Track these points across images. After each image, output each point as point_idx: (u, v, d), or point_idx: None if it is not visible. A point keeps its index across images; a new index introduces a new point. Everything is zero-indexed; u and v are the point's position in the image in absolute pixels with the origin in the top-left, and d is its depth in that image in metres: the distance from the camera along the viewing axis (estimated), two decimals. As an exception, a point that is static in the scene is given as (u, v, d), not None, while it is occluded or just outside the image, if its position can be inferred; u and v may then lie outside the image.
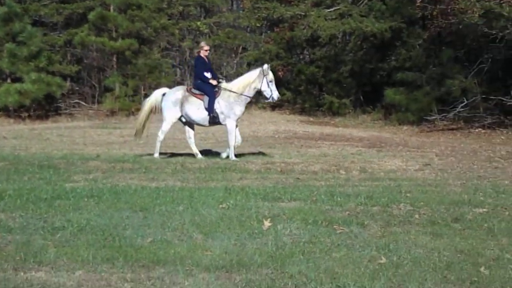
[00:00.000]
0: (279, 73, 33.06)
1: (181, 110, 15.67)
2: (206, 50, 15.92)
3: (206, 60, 15.93)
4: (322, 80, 31.81)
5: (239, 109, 15.45)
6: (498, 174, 14.48)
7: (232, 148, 15.44)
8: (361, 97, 31.52)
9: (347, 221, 9.18)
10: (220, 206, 10.04)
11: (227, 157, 15.51)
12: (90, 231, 8.28)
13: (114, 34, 31.87)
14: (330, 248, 7.71)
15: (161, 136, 16.01)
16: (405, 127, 26.91)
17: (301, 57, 34.28)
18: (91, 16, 31.41)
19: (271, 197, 10.99)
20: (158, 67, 32.31)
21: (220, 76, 16.40)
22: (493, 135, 23.96)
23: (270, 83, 15.14)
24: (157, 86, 32.28)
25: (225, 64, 35.00)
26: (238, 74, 34.34)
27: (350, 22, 29.30)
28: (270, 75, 15.17)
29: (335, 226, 8.83)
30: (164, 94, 16.05)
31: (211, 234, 8.26)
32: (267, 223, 8.79)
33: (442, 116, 26.45)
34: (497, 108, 26.18)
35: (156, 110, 16.21)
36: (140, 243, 7.76)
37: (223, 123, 15.50)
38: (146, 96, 32.03)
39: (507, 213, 9.96)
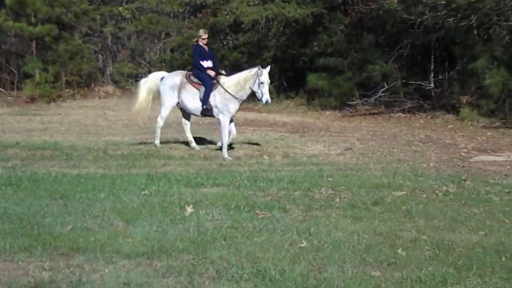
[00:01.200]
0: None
1: (178, 96, 15.17)
2: (204, 39, 15.18)
3: (206, 48, 15.24)
4: (245, 65, 31.72)
5: (233, 107, 14.65)
6: (417, 158, 14.77)
7: (225, 145, 14.58)
8: (284, 83, 31.63)
9: (269, 206, 9.24)
10: (142, 192, 9.99)
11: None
12: (8, 220, 8.12)
13: (33, 20, 31.14)
14: (252, 233, 7.76)
15: (160, 122, 15.60)
16: (327, 112, 27.17)
17: (224, 42, 34.20)
18: (8, 0, 30.62)
19: (194, 183, 10.98)
20: (79, 53, 31.72)
21: (222, 69, 15.52)
22: (413, 119, 24.42)
23: (261, 85, 14.19)
24: (78, 72, 31.94)
25: (148, 50, 34.63)
26: (161, 60, 34.36)
27: (273, 7, 29.36)
28: (263, 77, 14.22)
29: (257, 211, 8.88)
30: (162, 79, 15.54)
31: (133, 220, 8.21)
32: (189, 209, 8.78)
33: (364, 101, 26.80)
34: (417, 92, 26.67)
35: (154, 95, 15.79)
36: (60, 231, 7.65)
37: (216, 116, 14.86)
38: (68, 83, 31.82)
39: (424, 195, 10.19)
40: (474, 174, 12.57)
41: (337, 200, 9.79)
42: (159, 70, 33.54)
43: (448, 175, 12.33)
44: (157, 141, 15.61)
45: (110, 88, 32.62)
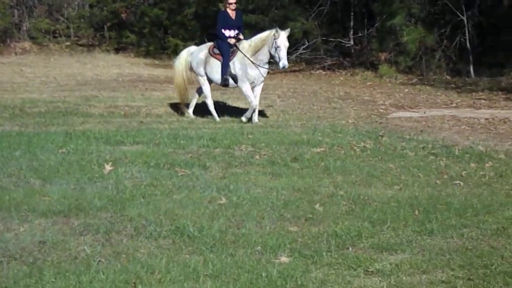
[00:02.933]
0: (122, 15, 32.41)
1: (205, 71, 14.07)
2: (230, 4, 13.80)
3: (232, 16, 13.84)
4: (166, 22, 31.39)
5: (252, 72, 13.51)
6: (336, 114, 14.97)
7: (252, 109, 13.53)
8: (206, 40, 31.35)
9: (189, 164, 9.25)
10: (60, 151, 9.84)
11: (249, 120, 13.59)
12: None
13: None
14: (171, 191, 7.76)
15: (207, 101, 14.24)
16: (248, 69, 27.17)
17: (144, -2, 33.71)
18: None
19: (113, 141, 10.88)
20: (-6, 8, 30.86)
21: (241, 35, 13.89)
22: (333, 76, 24.66)
23: (278, 48, 13.09)
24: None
25: (66, 5, 33.86)
26: (80, 16, 33.64)
27: (193, -38, 29.07)
28: (280, 40, 13.08)
29: (177, 169, 8.88)
30: (192, 54, 14.47)
31: (50, 179, 8.10)
32: (108, 167, 8.70)
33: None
34: (337, 50, 26.89)
35: (189, 70, 14.61)
36: (-27, 190, 7.49)
37: (238, 85, 13.73)
38: None
39: (342, 151, 10.35)
40: (391, 130, 12.83)
41: (257, 157, 9.85)
42: (78, 26, 33.34)
43: (366, 131, 12.54)
44: (215, 116, 14.23)
45: (27, 44, 31.82)
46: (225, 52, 13.63)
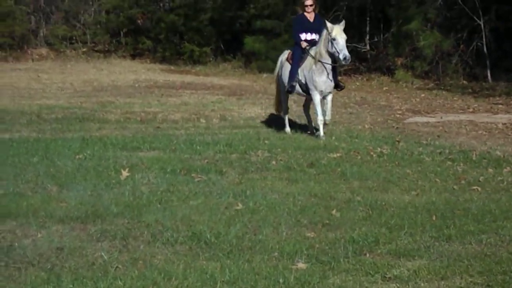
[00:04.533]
0: (139, 21, 32.53)
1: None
2: (306, 6, 12.59)
3: (310, 18, 12.64)
4: (182, 28, 31.51)
5: (318, 79, 12.25)
6: (353, 120, 14.94)
7: (319, 122, 12.36)
8: (222, 46, 31.51)
9: (206, 169, 9.25)
10: (77, 157, 9.88)
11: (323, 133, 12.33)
12: None
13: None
14: (188, 196, 7.75)
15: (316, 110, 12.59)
16: (264, 75, 27.10)
17: (160, 4, 33.79)
18: None
19: (129, 147, 10.91)
20: (11, 14, 31.04)
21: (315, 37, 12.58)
22: (349, 82, 24.57)
23: (333, 42, 11.83)
24: (10, 34, 31.22)
25: (82, 11, 34.02)
26: (97, 22, 33.81)
27: (209, -31, 29.17)
28: (334, 32, 11.84)
29: (193, 175, 8.88)
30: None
31: (67, 185, 8.12)
32: (125, 173, 8.71)
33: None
34: (352, 55, 26.75)
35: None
36: (-9, 197, 7.52)
37: (311, 94, 12.49)
38: (0, 45, 31.06)
39: (359, 157, 10.32)
40: (408, 135, 12.78)
41: (273, 162, 9.84)
42: (94, 32, 33.48)
43: (383, 136, 12.50)
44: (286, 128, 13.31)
45: (43, 50, 32.04)
46: (295, 56, 12.69)
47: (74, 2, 33.98)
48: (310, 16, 12.70)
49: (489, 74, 22.64)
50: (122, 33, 33.48)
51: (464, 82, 22.86)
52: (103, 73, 26.26)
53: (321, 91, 12.33)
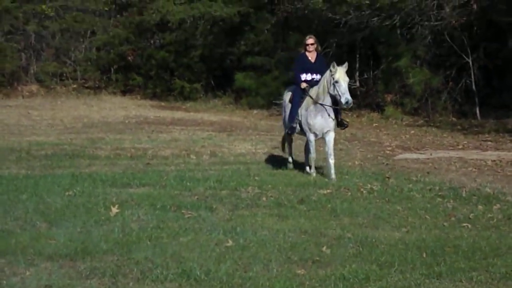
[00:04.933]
0: (129, 57, 32.65)
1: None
2: (307, 45, 12.38)
3: (311, 58, 12.37)
4: (173, 64, 31.64)
5: (313, 121, 11.94)
6: (343, 156, 14.95)
7: (310, 159, 12.29)
8: (212, 82, 31.62)
9: (196, 206, 9.23)
10: (67, 193, 9.85)
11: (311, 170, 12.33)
12: None
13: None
14: (178, 233, 7.72)
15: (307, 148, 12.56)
16: (255, 111, 27.24)
17: (151, 41, 33.94)
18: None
19: (119, 183, 10.89)
20: (1, 51, 31.09)
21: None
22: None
23: (336, 84, 11.48)
24: (0, 71, 31.24)
25: (73, 48, 34.10)
26: (87, 59, 33.89)
27: (199, 6, 29.32)
28: (337, 75, 11.49)
29: (183, 211, 8.85)
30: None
31: (56, 222, 8.08)
32: (114, 210, 8.69)
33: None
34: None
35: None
36: (-21, 234, 7.47)
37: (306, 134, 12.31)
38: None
39: (349, 193, 10.32)
40: (398, 172, 12.80)
41: (264, 199, 9.83)
42: (85, 69, 33.52)
43: (373, 173, 12.52)
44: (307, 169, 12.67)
45: (34, 87, 32.07)
46: (295, 97, 12.37)
47: (65, 39, 34.05)
48: (312, 56, 12.42)
49: (478, 111, 22.79)
50: (112, 69, 33.54)
51: (453, 119, 23.00)
52: (93, 109, 26.28)
53: (315, 133, 12.00)
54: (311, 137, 12.10)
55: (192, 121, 23.14)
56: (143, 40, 33.25)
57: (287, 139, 13.16)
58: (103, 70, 33.78)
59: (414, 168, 13.48)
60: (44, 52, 34.03)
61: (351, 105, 11.80)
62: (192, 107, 29.16)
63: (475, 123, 21.77)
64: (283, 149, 13.59)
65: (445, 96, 23.86)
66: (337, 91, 11.51)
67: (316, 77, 12.21)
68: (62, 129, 19.52)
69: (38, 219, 8.19)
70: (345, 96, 11.42)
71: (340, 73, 11.54)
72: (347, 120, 12.50)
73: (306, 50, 12.44)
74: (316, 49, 12.48)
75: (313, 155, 12.20)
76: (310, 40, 12.42)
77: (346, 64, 11.68)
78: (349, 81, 11.72)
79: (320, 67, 12.22)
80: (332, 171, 11.77)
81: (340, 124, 12.34)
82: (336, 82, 11.50)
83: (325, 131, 11.99)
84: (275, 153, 15.09)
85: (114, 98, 30.93)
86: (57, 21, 33.02)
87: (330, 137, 12.05)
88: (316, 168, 12.47)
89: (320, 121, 11.92)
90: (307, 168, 12.54)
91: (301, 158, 13.29)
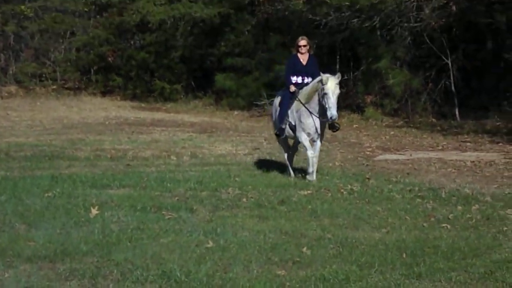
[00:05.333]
0: (109, 58, 32.51)
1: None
2: (299, 46, 12.03)
3: (303, 60, 11.99)
4: (153, 65, 31.55)
5: (307, 121, 11.58)
6: (323, 157, 14.92)
7: (309, 157, 11.66)
8: (192, 83, 31.56)
9: (176, 207, 9.22)
10: (46, 195, 9.81)
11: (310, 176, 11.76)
12: None
13: None
14: (158, 234, 7.71)
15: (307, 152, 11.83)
16: (235, 112, 27.23)
17: (131, 42, 33.85)
18: None
19: (99, 185, 10.85)
20: (-21, 52, 30.95)
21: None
22: (319, 119, 24.75)
23: (325, 96, 11.12)
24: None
25: (52, 49, 33.91)
26: (67, 59, 33.69)
27: (179, 7, 29.27)
28: (327, 86, 11.10)
29: (163, 212, 8.85)
30: None
31: (35, 223, 8.04)
32: (94, 211, 8.67)
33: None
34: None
35: None
36: (-43, 236, 7.41)
37: (296, 135, 11.88)
38: None
39: (329, 194, 10.35)
40: (378, 173, 12.85)
41: (244, 200, 9.84)
42: (64, 69, 33.36)
43: (353, 173, 12.56)
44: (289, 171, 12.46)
45: (13, 88, 31.86)
46: (283, 100, 12.09)
47: (44, 39, 33.86)
48: (304, 58, 12.04)
49: (457, 112, 22.92)
50: (92, 70, 33.41)
51: (433, 120, 23.10)
52: (73, 110, 26.16)
53: (308, 133, 11.64)
54: (303, 136, 11.67)
55: (172, 122, 23.10)
56: (123, 41, 33.16)
57: (281, 143, 12.69)
58: (83, 71, 33.64)
59: (394, 169, 13.53)
60: (23, 52, 33.85)
61: (335, 120, 11.45)
62: (173, 108, 29.10)
63: (455, 124, 21.89)
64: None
65: (425, 97, 23.97)
66: (325, 102, 11.16)
67: (308, 80, 11.84)
68: (42, 130, 19.42)
69: (17, 221, 8.14)
70: (331, 111, 11.07)
71: (330, 85, 11.15)
72: (338, 122, 12.14)
73: (298, 51, 12.08)
74: (308, 51, 12.14)
75: (310, 151, 11.60)
76: (302, 42, 12.05)
77: (338, 75, 11.42)
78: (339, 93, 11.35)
79: (312, 69, 11.87)
80: (314, 171, 11.65)
81: (331, 126, 11.95)
82: (326, 93, 11.13)
83: (317, 134, 11.68)
84: (256, 154, 15.10)
85: (94, 99, 30.80)
86: (36, 22, 32.84)
87: (319, 145, 11.84)
88: (294, 169, 12.46)
89: (311, 122, 11.57)
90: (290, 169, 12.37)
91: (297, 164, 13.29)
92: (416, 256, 6.93)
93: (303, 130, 11.65)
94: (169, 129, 20.75)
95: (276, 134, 12.45)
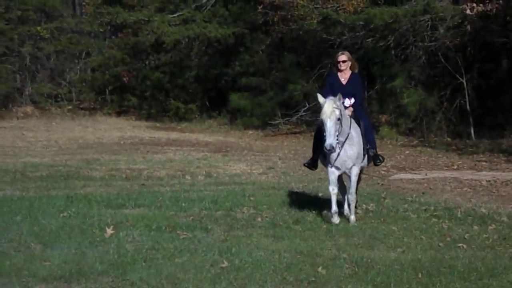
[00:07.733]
0: (124, 78, 32.66)
1: None
2: (338, 63, 10.17)
3: (343, 79, 10.14)
4: (168, 85, 31.67)
5: (328, 154, 9.69)
6: (338, 176, 14.93)
7: (346, 200, 10.26)
8: (207, 102, 31.65)
9: (191, 226, 9.22)
10: (61, 215, 9.83)
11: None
12: None
13: None
14: (173, 254, 7.71)
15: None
16: (250, 132, 27.27)
17: (146, 62, 33.99)
18: None
19: (114, 204, 10.86)
20: (-4, 73, 31.15)
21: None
22: (334, 139, 24.70)
23: (323, 122, 9.44)
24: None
25: (68, 69, 34.13)
26: (82, 80, 33.89)
27: (194, 27, 29.41)
28: (322, 111, 9.43)
29: (178, 232, 8.84)
30: None
31: (51, 243, 8.06)
32: (109, 231, 8.67)
33: (286, 120, 26.99)
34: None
35: None
36: (-27, 256, 7.44)
37: None
38: None
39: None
40: (393, 192, 12.80)
41: (259, 219, 9.82)
42: (80, 90, 33.56)
43: (368, 193, 12.51)
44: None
45: (29, 108, 32.04)
46: (318, 127, 10.26)
47: (60, 60, 34.08)
48: (344, 76, 10.23)
49: (472, 132, 22.84)
50: (107, 90, 33.57)
51: (448, 139, 23.03)
52: (89, 130, 26.27)
53: (336, 166, 9.80)
54: (328, 170, 9.95)
55: (187, 141, 23.13)
56: (138, 61, 33.30)
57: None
58: (98, 91, 33.80)
59: (409, 188, 13.48)
60: (39, 73, 34.06)
61: (332, 152, 9.43)
62: (187, 127, 29.16)
63: (470, 143, 21.80)
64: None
65: (440, 117, 23.91)
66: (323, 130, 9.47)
67: (350, 101, 10.07)
68: (57, 150, 19.50)
69: (33, 241, 8.16)
70: (328, 142, 9.26)
71: (326, 108, 9.37)
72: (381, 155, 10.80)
73: (337, 68, 10.25)
74: (350, 68, 10.26)
75: (330, 188, 9.90)
76: (342, 57, 10.21)
77: (339, 96, 9.48)
78: (340, 118, 9.41)
79: (353, 89, 10.14)
80: (351, 210, 9.99)
81: (373, 159, 10.42)
82: (322, 119, 9.46)
83: (346, 166, 9.85)
84: (271, 174, 15.08)
85: (109, 119, 30.93)
86: (52, 43, 33.06)
87: (355, 172, 9.91)
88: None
89: (336, 155, 9.67)
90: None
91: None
92: (432, 276, 6.89)
93: (329, 162, 9.86)
94: (184, 148, 20.78)
95: (305, 165, 10.89)
